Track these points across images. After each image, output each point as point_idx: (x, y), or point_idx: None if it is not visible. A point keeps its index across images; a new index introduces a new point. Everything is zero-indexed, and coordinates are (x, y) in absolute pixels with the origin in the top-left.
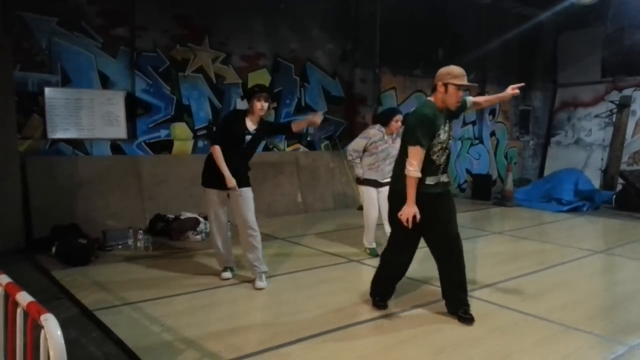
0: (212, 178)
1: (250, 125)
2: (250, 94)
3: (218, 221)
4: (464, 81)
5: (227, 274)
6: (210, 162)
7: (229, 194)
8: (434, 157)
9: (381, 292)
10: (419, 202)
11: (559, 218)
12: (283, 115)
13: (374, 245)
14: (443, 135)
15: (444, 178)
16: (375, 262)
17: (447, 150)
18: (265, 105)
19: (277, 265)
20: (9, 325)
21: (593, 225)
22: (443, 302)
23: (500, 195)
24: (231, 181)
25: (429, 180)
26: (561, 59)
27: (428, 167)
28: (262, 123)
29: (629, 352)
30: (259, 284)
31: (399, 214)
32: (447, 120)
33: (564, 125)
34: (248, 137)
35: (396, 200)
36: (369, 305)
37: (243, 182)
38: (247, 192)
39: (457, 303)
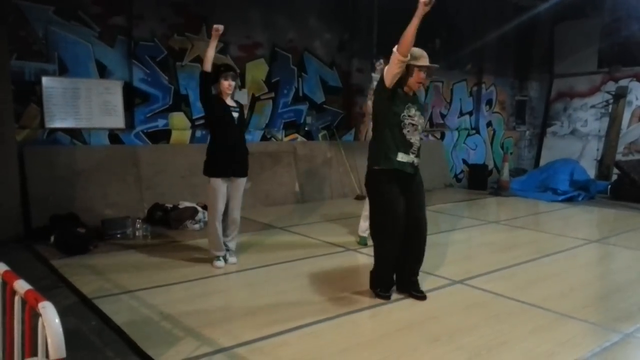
0: (215, 166)
1: (229, 102)
2: (216, 74)
3: (221, 209)
4: (425, 62)
5: (221, 263)
6: (212, 149)
7: (231, 180)
8: (405, 132)
9: (383, 283)
10: (389, 177)
11: (555, 208)
12: (281, 106)
13: (366, 234)
14: (413, 112)
15: (416, 161)
16: (371, 250)
17: (418, 131)
18: (233, 83)
19: (275, 254)
20: (6, 314)
21: (588, 215)
22: (440, 291)
23: (496, 185)
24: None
25: (401, 157)
26: (558, 50)
27: (401, 143)
28: (238, 103)
29: (623, 339)
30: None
31: None
32: (415, 105)
33: (560, 116)
34: (235, 114)
35: (370, 179)
36: (366, 293)
37: (245, 170)
38: (244, 181)
39: (407, 285)
